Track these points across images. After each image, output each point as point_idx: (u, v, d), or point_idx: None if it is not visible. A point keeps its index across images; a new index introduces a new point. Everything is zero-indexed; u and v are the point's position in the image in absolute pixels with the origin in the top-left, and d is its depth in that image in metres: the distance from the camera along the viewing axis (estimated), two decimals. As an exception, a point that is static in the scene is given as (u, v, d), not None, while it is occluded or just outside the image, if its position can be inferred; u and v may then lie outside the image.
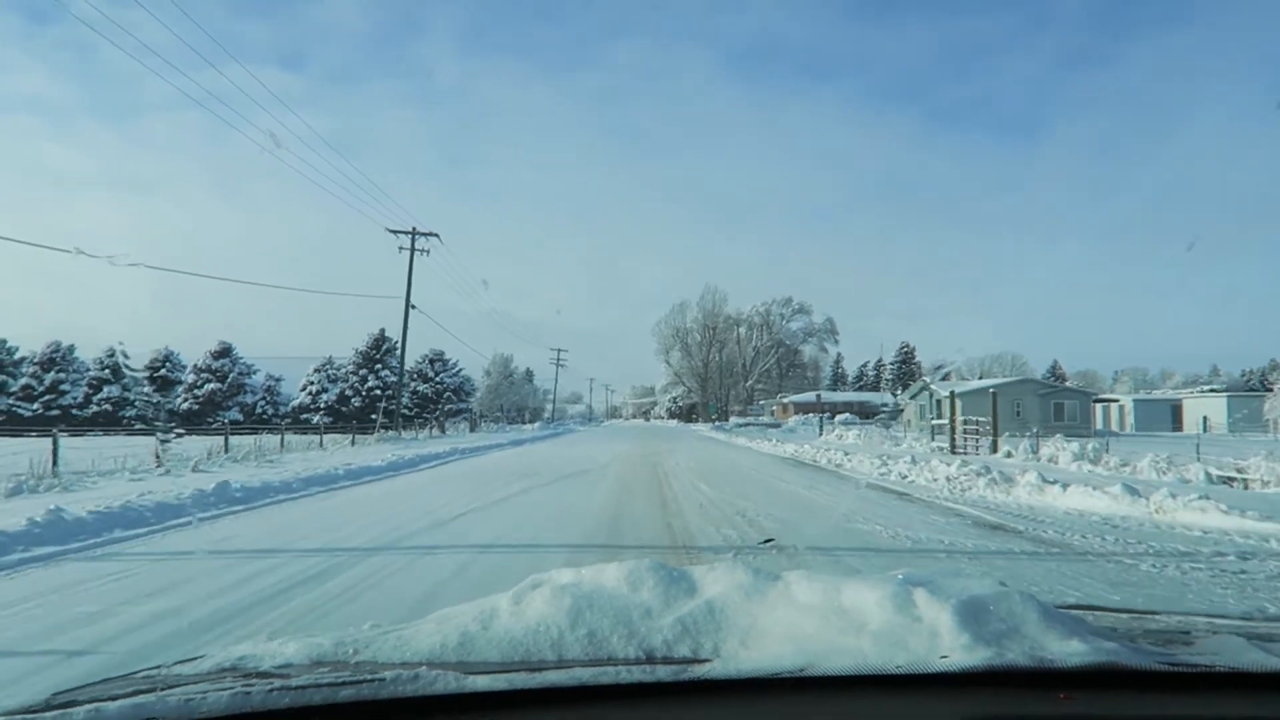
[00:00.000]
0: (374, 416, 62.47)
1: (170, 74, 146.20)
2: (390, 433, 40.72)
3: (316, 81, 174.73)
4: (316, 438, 38.34)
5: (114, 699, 1.30)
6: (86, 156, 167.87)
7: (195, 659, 1.64)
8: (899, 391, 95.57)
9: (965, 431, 26.18)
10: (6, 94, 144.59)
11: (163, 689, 1.38)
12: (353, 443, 34.44)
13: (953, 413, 26.97)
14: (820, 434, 45.43)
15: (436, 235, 41.23)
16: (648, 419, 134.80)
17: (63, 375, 77.25)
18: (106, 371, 78.07)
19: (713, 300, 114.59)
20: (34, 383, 76.57)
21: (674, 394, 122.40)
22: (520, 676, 1.33)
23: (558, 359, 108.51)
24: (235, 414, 75.70)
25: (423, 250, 40.94)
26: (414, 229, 40.78)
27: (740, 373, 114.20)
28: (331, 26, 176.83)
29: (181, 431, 35.90)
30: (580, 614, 1.58)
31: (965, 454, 24.89)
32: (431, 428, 51.51)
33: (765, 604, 1.62)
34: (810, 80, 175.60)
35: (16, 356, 78.22)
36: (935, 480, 14.49)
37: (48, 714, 1.26)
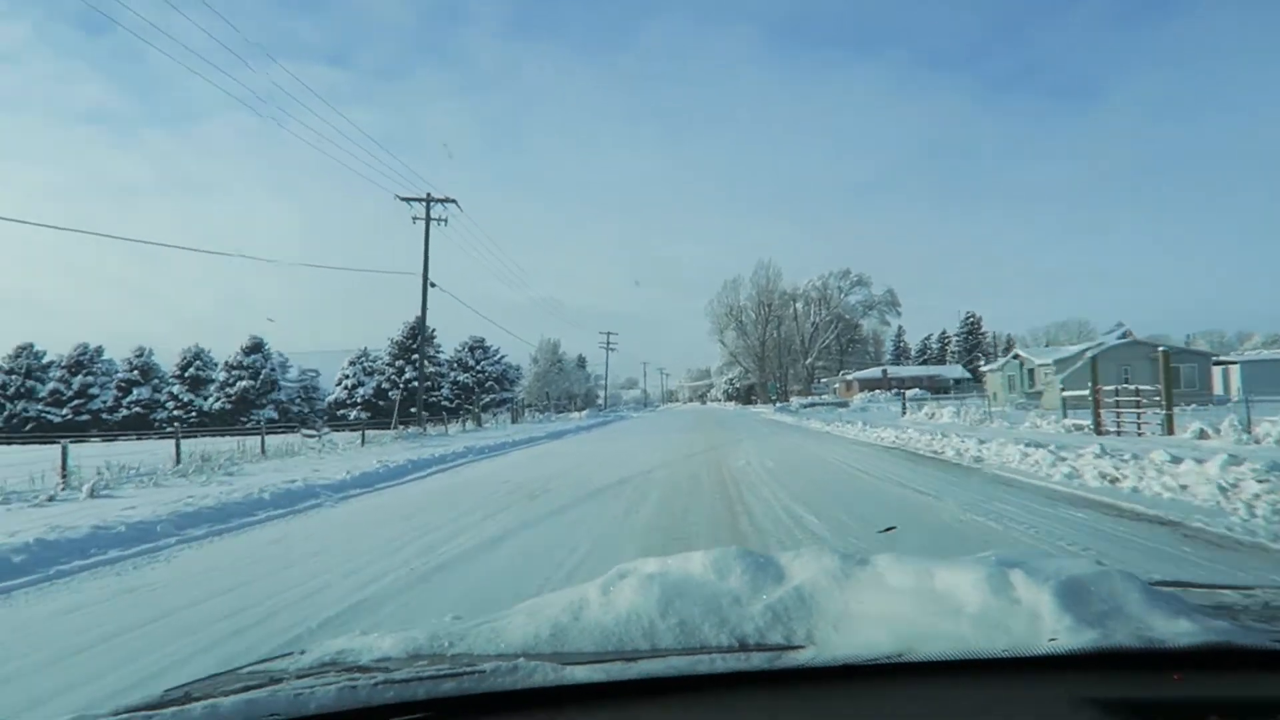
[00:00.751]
0: (412, 410, 58.10)
1: (219, 77, 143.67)
2: (412, 428, 35.72)
3: (364, 77, 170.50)
4: (329, 436, 33.74)
5: (226, 695, 1.31)
6: (140, 160, 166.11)
7: (294, 654, 1.62)
8: (979, 363, 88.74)
9: (1119, 404, 20.16)
10: (65, 104, 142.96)
11: (270, 684, 1.38)
12: (363, 442, 29.50)
13: (1095, 381, 20.94)
14: (904, 413, 39.38)
15: (454, 201, 36.06)
16: (704, 402, 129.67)
17: (91, 378, 74.09)
18: (135, 373, 74.76)
19: (767, 276, 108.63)
20: (62, 387, 73.51)
21: (730, 375, 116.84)
22: (617, 667, 1.32)
23: (608, 342, 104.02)
24: (270, 412, 71.91)
25: (439, 219, 35.80)
26: (428, 195, 35.68)
27: (799, 350, 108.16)
28: (378, 22, 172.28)
29: (328, 430, 32.03)
30: (670, 603, 1.55)
31: (1119, 434, 18.95)
32: (465, 420, 46.56)
33: (856, 589, 1.58)
34: (856, 50, 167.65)
35: (45, 361, 75.27)
36: (1200, 487, 8.72)
37: (165, 711, 1.27)
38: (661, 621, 1.50)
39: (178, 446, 19.68)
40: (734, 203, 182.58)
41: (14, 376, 74.26)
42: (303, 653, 1.62)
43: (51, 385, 73.94)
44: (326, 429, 33.39)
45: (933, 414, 35.59)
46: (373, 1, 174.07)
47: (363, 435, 30.42)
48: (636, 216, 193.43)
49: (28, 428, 72.76)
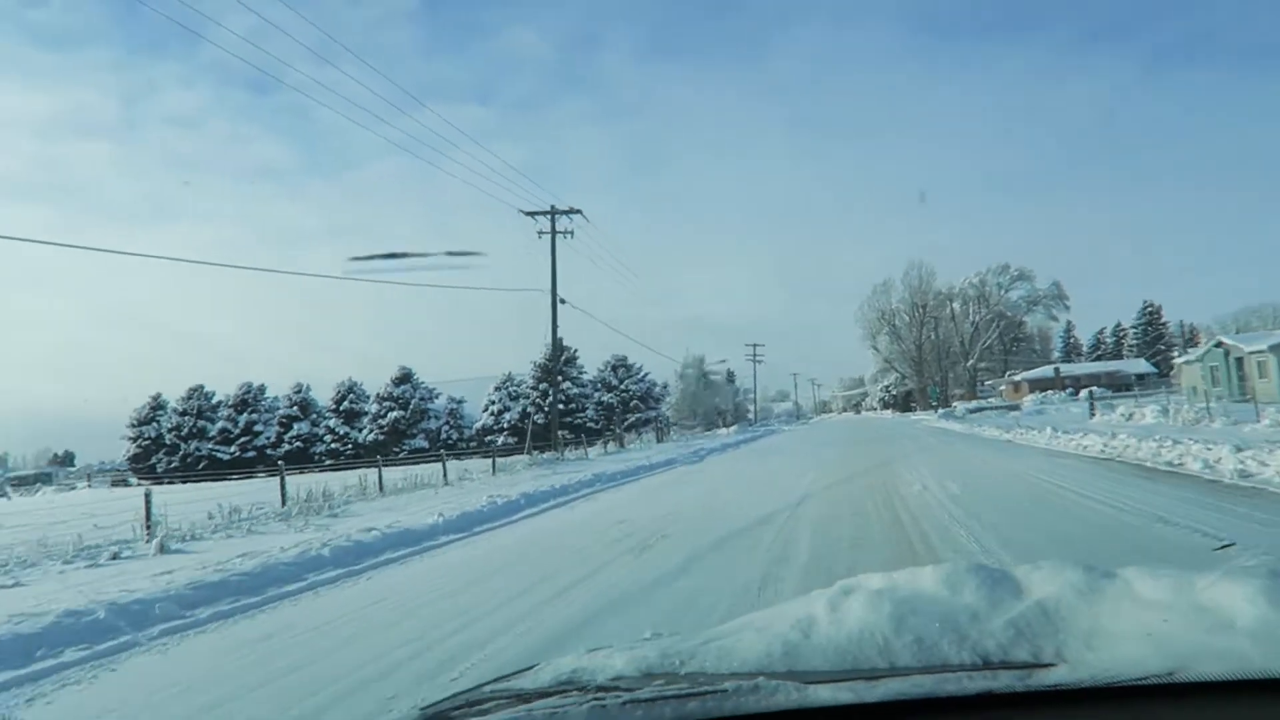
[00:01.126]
0: (559, 432, 56.97)
1: (376, 125, 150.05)
2: (548, 454, 33.88)
3: (508, 111, 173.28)
4: (466, 463, 32.41)
5: (484, 713, 1.35)
6: (306, 209, 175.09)
7: (530, 670, 1.64)
8: (1165, 355, 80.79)
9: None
10: (240, 162, 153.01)
11: (519, 702, 1.41)
12: (493, 471, 27.76)
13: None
14: (1092, 414, 34.63)
15: (579, 212, 34.25)
16: (858, 411, 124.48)
17: (255, 416, 76.85)
18: (295, 409, 77.04)
19: (919, 276, 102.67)
20: (230, 426, 76.49)
21: (885, 382, 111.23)
22: (861, 686, 1.26)
23: (754, 354, 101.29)
24: (420, 441, 72.57)
25: (565, 232, 34.03)
26: (552, 207, 34.02)
27: (959, 352, 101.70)
28: (519, 57, 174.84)
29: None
30: (903, 619, 1.48)
31: None
32: (607, 442, 44.58)
33: (1105, 603, 1.47)
34: (1006, 35, 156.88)
35: (214, 401, 78.75)
36: None
37: None
38: (896, 639, 1.43)
39: (283, 486, 18.19)
40: (881, 204, 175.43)
41: (187, 417, 78.05)
42: (536, 668, 1.63)
43: (220, 424, 77.18)
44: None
45: (1130, 414, 30.85)
46: (514, 38, 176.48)
47: (493, 463, 28.65)
48: (782, 226, 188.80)
49: (200, 466, 76.02)
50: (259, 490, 22.49)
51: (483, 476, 26.41)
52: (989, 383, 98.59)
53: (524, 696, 1.44)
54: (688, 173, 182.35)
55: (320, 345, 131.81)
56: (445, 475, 24.86)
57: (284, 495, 17.97)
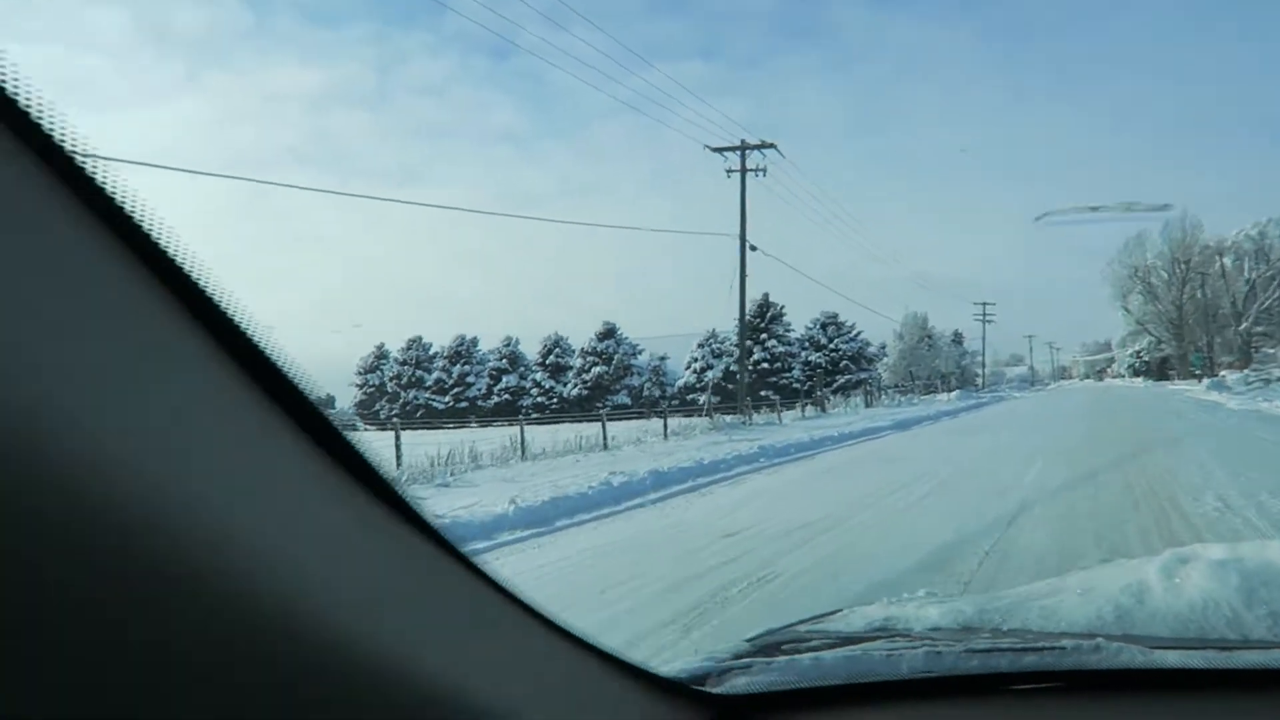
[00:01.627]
0: (763, 393, 53.72)
1: (606, 84, 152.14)
2: (732, 416, 30.65)
3: (731, 67, 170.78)
4: (650, 423, 29.84)
5: (815, 649, 1.31)
6: (542, 170, 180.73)
7: (837, 614, 1.60)
8: None
9: None
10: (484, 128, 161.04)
11: (843, 643, 1.37)
12: (665, 435, 24.98)
13: None
14: None
15: (773, 146, 30.71)
16: (1102, 378, 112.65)
17: (468, 368, 78.82)
18: (504, 362, 78.30)
19: (1181, 228, 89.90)
20: (444, 376, 78.96)
21: (1136, 347, 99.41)
22: (1214, 654, 1.20)
23: (984, 314, 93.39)
24: (623, 398, 71.63)
25: (756, 170, 30.50)
26: (743, 141, 30.56)
27: (1229, 314, 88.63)
28: (742, 10, 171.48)
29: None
30: (1254, 591, 1.40)
31: None
32: (804, 405, 40.74)
33: None
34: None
35: (431, 352, 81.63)
36: None
37: (779, 659, 1.29)
38: (1248, 611, 1.35)
39: (397, 448, 16.12)
40: (1135, 152, 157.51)
41: (406, 367, 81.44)
42: (839, 612, 1.60)
43: (436, 375, 79.89)
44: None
45: None
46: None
47: (664, 426, 25.80)
48: (1017, 178, 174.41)
49: (418, 414, 78.48)
50: (454, 440, 21.19)
51: (655, 440, 23.77)
52: (1266, 350, 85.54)
53: (846, 638, 1.40)
54: (913, 124, 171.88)
55: (532, 299, 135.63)
56: (605, 439, 22.25)
57: (399, 458, 15.92)
